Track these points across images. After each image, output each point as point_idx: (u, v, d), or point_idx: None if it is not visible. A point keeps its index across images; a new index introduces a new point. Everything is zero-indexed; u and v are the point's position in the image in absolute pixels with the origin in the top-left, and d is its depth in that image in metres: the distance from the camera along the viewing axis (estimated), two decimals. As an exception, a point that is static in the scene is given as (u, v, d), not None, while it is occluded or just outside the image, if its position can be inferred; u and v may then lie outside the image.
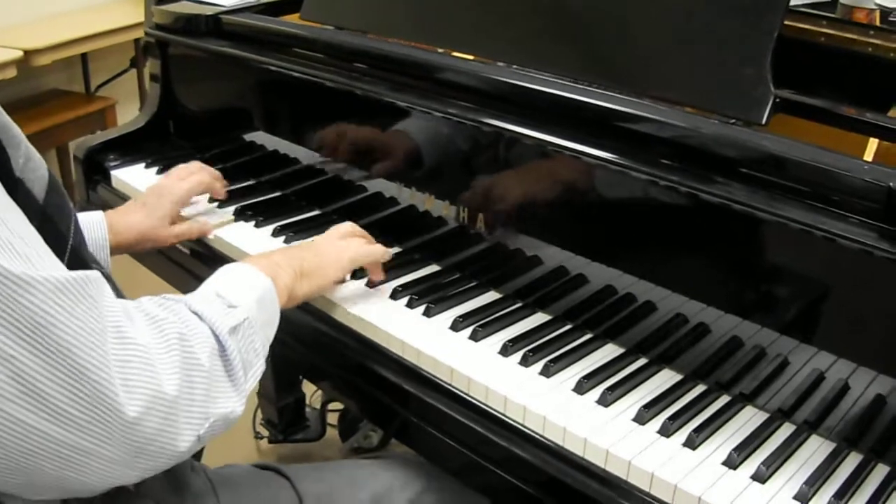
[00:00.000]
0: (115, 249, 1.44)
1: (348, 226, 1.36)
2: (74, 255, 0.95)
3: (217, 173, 1.61)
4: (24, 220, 0.84)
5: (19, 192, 0.88)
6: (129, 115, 4.12)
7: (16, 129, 0.90)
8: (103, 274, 0.89)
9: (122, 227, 1.45)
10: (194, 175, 1.56)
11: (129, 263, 1.63)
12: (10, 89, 3.60)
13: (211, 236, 1.55)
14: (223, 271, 1.10)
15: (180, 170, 1.58)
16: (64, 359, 0.77)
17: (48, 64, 3.51)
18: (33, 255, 0.79)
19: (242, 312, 1.00)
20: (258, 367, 1.02)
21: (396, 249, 1.44)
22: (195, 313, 0.96)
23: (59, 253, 0.91)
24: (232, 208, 1.61)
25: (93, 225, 1.38)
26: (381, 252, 1.34)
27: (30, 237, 0.81)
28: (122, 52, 4.12)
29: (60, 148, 3.96)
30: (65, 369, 0.77)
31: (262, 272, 1.11)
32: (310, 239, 1.39)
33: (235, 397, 0.95)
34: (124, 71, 4.20)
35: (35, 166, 0.92)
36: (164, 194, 1.51)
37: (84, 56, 4.00)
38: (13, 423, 0.76)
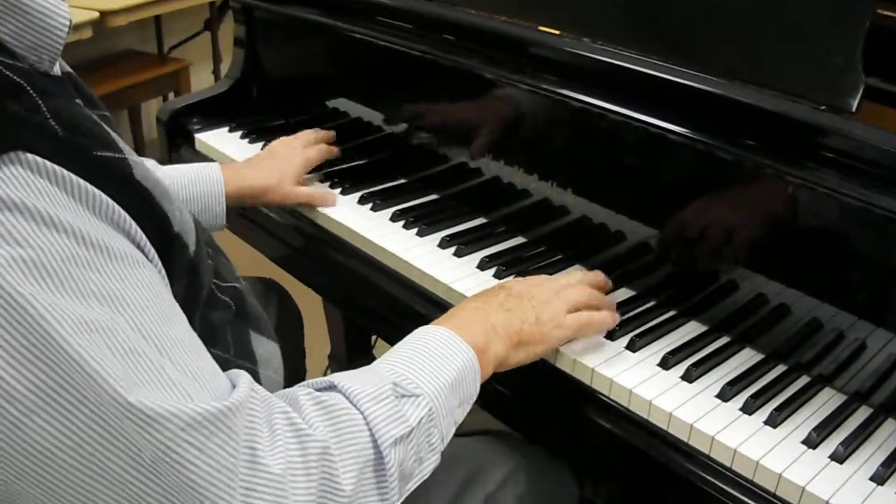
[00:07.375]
0: (235, 200, 1.44)
1: (576, 280, 1.19)
2: (211, 295, 0.95)
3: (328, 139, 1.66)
4: (188, 336, 0.78)
5: (175, 247, 0.84)
6: (202, 77, 4.21)
7: (164, 183, 0.84)
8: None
9: (250, 175, 1.46)
10: (317, 144, 1.61)
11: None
12: (84, 49, 3.64)
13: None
14: (418, 339, 0.98)
15: (303, 136, 1.62)
16: (185, 493, 0.70)
17: (123, 25, 3.53)
18: (186, 383, 0.72)
19: (423, 406, 0.89)
20: (428, 464, 0.91)
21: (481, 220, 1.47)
22: (360, 412, 0.84)
23: (196, 300, 0.90)
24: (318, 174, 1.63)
25: (209, 178, 1.40)
26: (609, 322, 1.18)
27: (187, 361, 0.74)
28: (195, 15, 4.14)
29: (132, 109, 4.01)
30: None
31: (469, 343, 0.98)
32: (536, 280, 1.18)
33: None
34: (198, 33, 4.23)
35: (186, 218, 0.88)
36: (295, 155, 1.54)
37: (157, 17, 4.03)
38: None
